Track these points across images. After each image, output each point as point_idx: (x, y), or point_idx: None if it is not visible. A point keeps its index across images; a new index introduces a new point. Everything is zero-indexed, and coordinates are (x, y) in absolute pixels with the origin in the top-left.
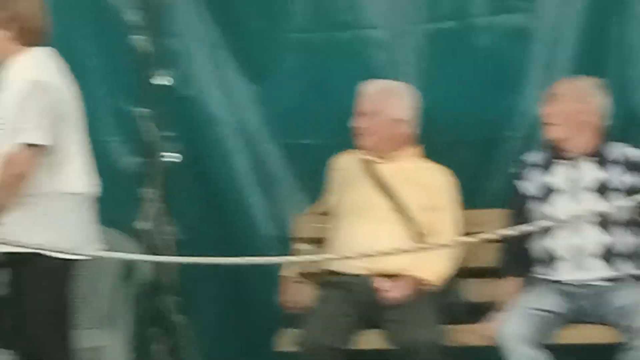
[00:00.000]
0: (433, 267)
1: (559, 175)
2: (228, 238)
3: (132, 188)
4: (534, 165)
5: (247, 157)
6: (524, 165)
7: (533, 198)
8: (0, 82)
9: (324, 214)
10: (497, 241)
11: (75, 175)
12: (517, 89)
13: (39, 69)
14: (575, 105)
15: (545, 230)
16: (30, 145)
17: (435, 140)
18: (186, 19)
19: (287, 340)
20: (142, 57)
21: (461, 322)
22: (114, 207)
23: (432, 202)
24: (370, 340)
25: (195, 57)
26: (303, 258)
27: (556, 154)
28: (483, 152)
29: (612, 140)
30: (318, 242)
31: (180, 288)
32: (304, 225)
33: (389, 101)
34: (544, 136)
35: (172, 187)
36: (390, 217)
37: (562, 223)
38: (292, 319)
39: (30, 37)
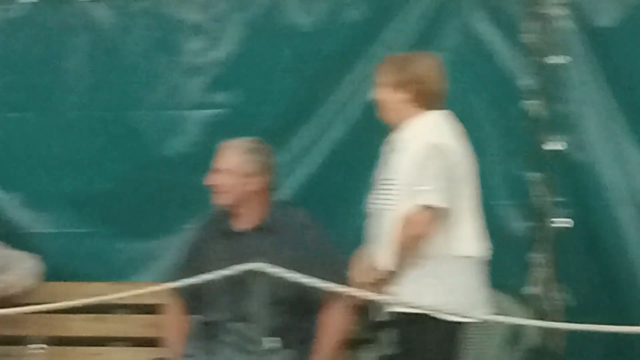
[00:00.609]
0: None
1: None
2: (617, 306)
3: (522, 252)
4: None
5: (639, 225)
6: None
7: None
8: (394, 143)
9: None
10: None
11: (468, 238)
12: None
13: (437, 132)
14: None
15: None
16: (428, 207)
17: None
18: (581, 84)
19: None
20: (535, 122)
21: None
22: (503, 271)
23: None
24: None
25: (588, 122)
26: None
27: None
28: None
29: None
30: None
31: (566, 355)
32: None
33: None
34: None
35: (562, 253)
36: None
37: None
38: None
39: (427, 100)
